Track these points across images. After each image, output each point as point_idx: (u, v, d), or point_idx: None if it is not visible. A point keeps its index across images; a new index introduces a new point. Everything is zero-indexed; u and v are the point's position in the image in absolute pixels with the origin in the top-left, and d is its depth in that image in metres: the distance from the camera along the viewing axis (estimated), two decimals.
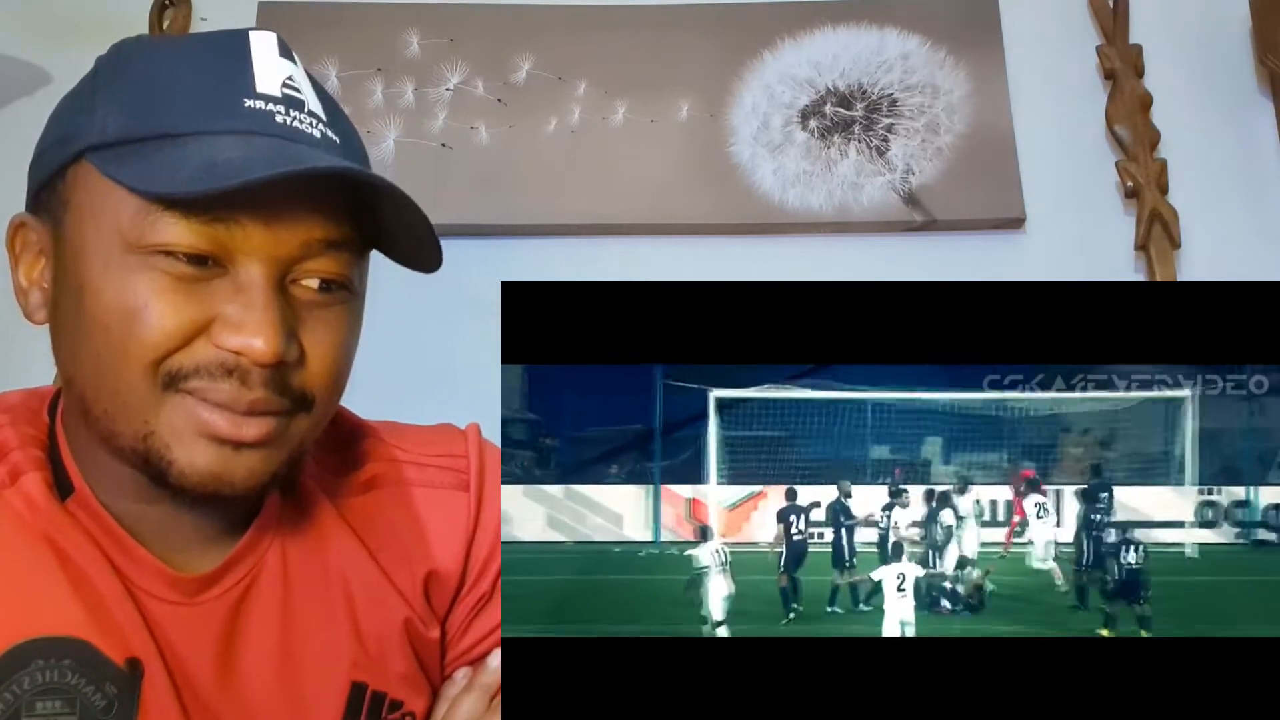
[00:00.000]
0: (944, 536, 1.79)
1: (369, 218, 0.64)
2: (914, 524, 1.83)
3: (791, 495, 1.83)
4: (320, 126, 0.64)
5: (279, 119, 0.62)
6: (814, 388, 2.51)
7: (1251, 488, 2.59)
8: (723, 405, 2.51)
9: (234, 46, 0.63)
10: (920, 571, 1.52)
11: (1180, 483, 2.53)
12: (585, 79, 1.65)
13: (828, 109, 1.66)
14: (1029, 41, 1.70)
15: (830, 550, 1.84)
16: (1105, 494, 2.01)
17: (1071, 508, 1.95)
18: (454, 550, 0.76)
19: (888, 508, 1.89)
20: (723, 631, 1.43)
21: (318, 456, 0.75)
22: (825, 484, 1.97)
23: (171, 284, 0.59)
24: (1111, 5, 1.70)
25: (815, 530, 1.84)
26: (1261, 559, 2.45)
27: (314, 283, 0.63)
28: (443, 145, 1.62)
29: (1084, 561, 1.76)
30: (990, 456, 2.55)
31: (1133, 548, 1.59)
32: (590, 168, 1.62)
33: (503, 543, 0.78)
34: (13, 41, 1.62)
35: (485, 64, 1.66)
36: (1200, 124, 1.66)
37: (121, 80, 0.62)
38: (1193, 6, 1.72)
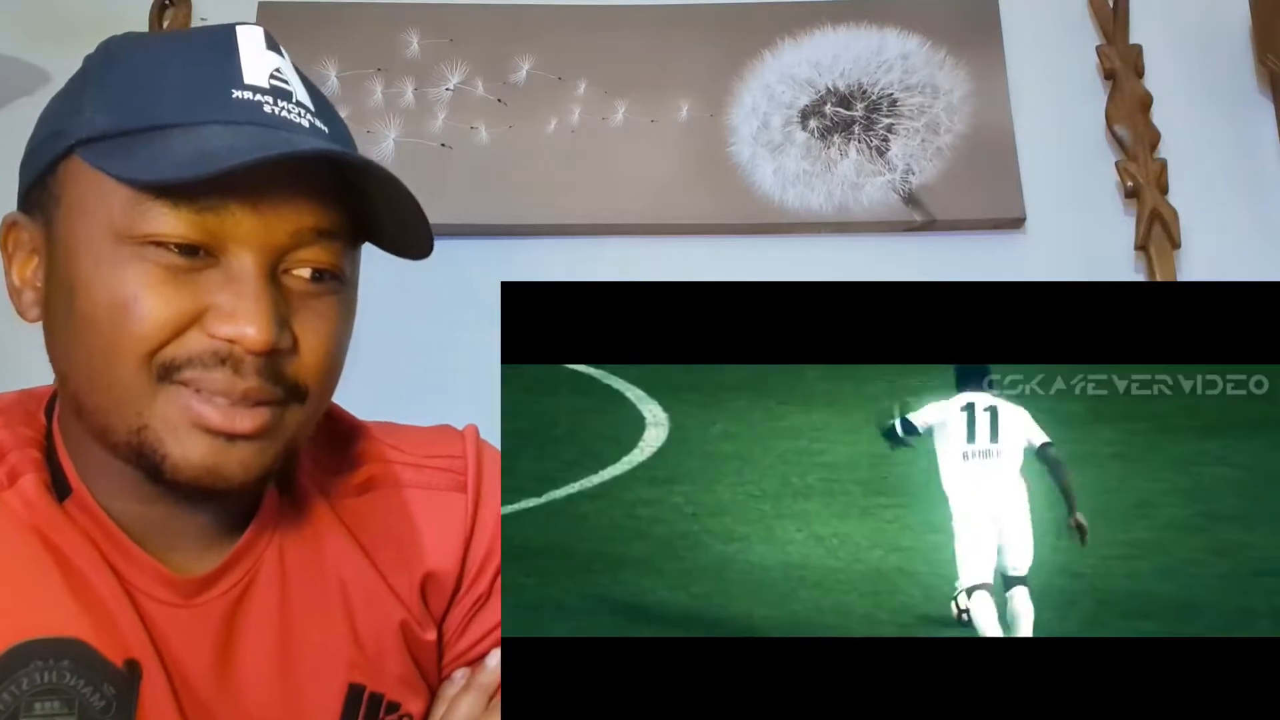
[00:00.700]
0: None
1: (360, 207, 0.64)
2: None
3: None
4: (308, 116, 0.64)
5: (267, 109, 0.61)
6: None
7: None
8: None
9: (221, 40, 0.63)
10: None
11: None
12: (585, 79, 1.65)
13: (828, 109, 1.66)
14: (1029, 41, 1.70)
15: None
16: None
17: None
18: (451, 552, 0.76)
19: None
20: None
21: (314, 455, 0.74)
22: None
23: (163, 275, 0.59)
24: (1111, 5, 1.70)
25: None
26: None
27: (306, 272, 0.62)
28: (442, 145, 1.62)
29: None
30: None
31: None
32: (590, 168, 1.62)
33: None
34: (13, 41, 1.62)
35: (485, 64, 1.66)
36: (1200, 124, 1.66)
37: (109, 76, 0.62)
38: (1193, 6, 1.71)
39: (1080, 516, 0.94)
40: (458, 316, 1.55)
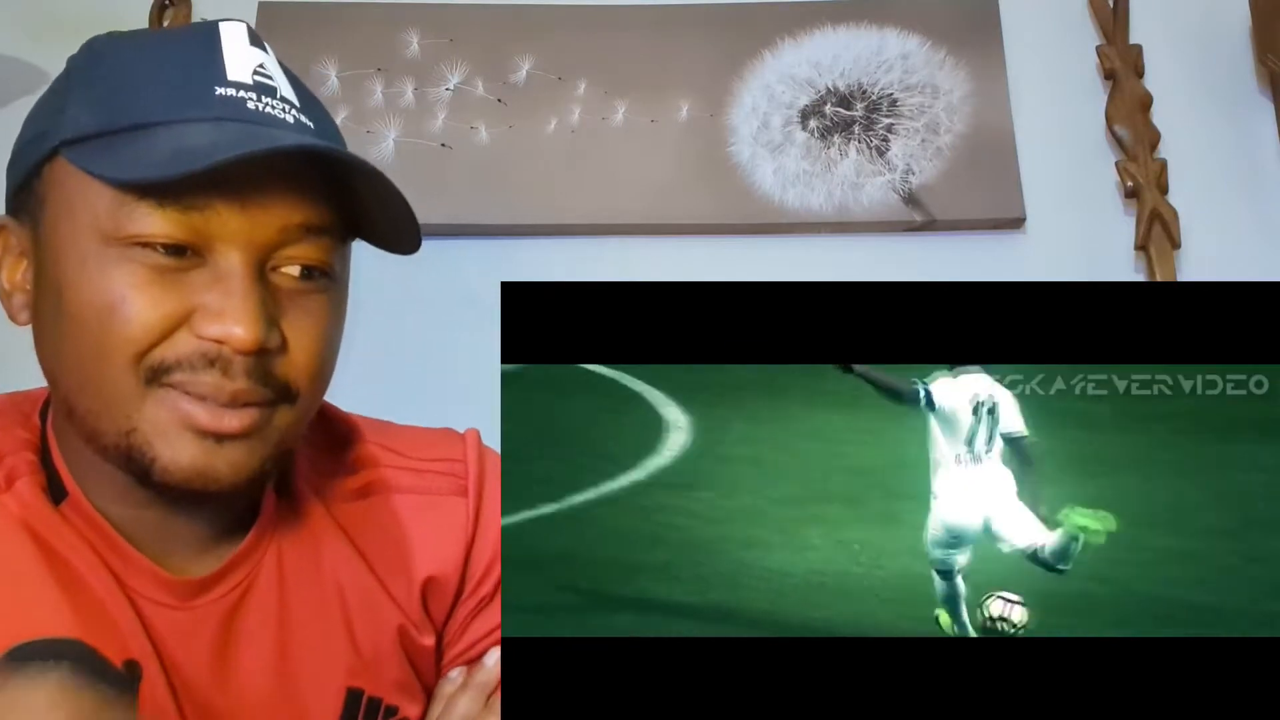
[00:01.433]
0: None
1: (348, 202, 0.64)
2: None
3: None
4: (293, 112, 0.63)
5: (250, 105, 0.61)
6: None
7: None
8: None
9: (204, 37, 0.63)
10: None
11: None
12: (585, 79, 1.65)
13: (828, 109, 1.66)
14: (1029, 41, 1.70)
15: None
16: None
17: None
18: (452, 556, 0.75)
19: None
20: None
21: (312, 458, 0.74)
22: None
23: (149, 276, 0.58)
24: (1111, 5, 1.69)
25: None
26: None
27: (295, 270, 0.62)
28: (442, 145, 1.62)
29: None
30: None
31: None
32: (590, 168, 1.62)
33: None
34: (13, 41, 1.62)
35: (485, 64, 1.66)
36: (1200, 124, 1.66)
37: (92, 75, 0.62)
38: (1193, 6, 1.71)
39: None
40: (458, 316, 1.55)
